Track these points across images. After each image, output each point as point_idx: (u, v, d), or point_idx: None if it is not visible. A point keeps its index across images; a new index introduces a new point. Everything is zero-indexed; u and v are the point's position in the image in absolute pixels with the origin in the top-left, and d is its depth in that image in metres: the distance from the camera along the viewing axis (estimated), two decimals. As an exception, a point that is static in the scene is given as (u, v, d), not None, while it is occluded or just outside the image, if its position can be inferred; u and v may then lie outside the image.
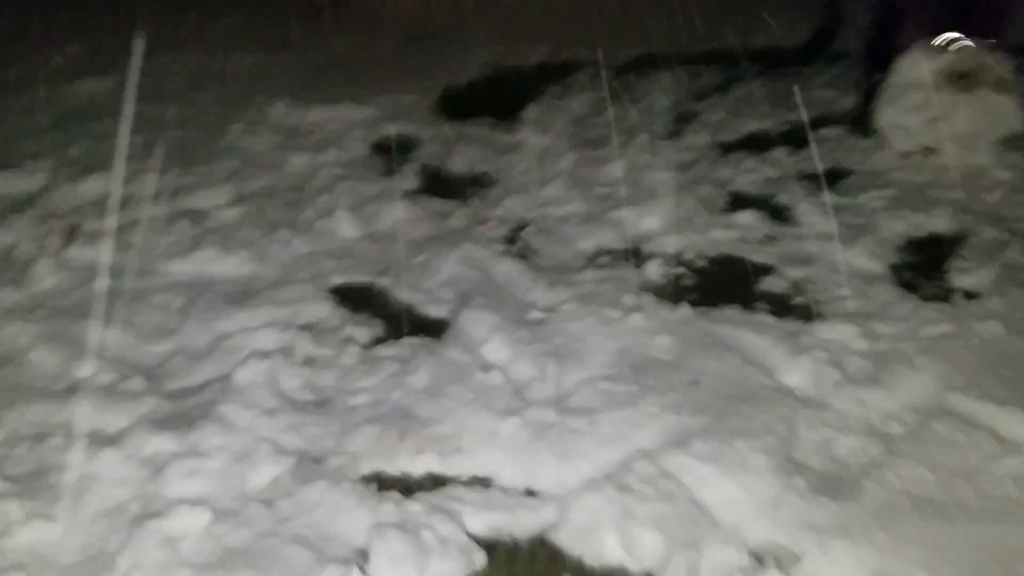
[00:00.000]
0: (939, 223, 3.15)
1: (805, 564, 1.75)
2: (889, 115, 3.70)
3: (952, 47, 3.62)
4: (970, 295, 2.68)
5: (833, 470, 1.98)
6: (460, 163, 3.87)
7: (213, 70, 4.81)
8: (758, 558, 1.78)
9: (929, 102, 3.58)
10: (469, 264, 2.98)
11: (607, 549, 1.82)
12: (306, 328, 2.64)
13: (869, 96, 3.98)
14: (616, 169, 3.70)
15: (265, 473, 2.03)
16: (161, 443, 2.13)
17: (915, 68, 3.63)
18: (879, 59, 3.97)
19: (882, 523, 1.79)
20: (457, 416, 2.21)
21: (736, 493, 1.90)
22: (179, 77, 4.84)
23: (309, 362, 2.50)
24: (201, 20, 5.99)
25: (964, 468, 1.93)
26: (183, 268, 3.01)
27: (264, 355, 2.45)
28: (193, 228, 3.26)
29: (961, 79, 3.55)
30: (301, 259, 3.09)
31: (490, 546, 1.86)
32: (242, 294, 2.82)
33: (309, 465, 2.07)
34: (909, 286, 2.78)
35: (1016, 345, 2.36)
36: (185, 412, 2.26)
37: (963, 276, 2.80)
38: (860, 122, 3.99)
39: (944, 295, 2.71)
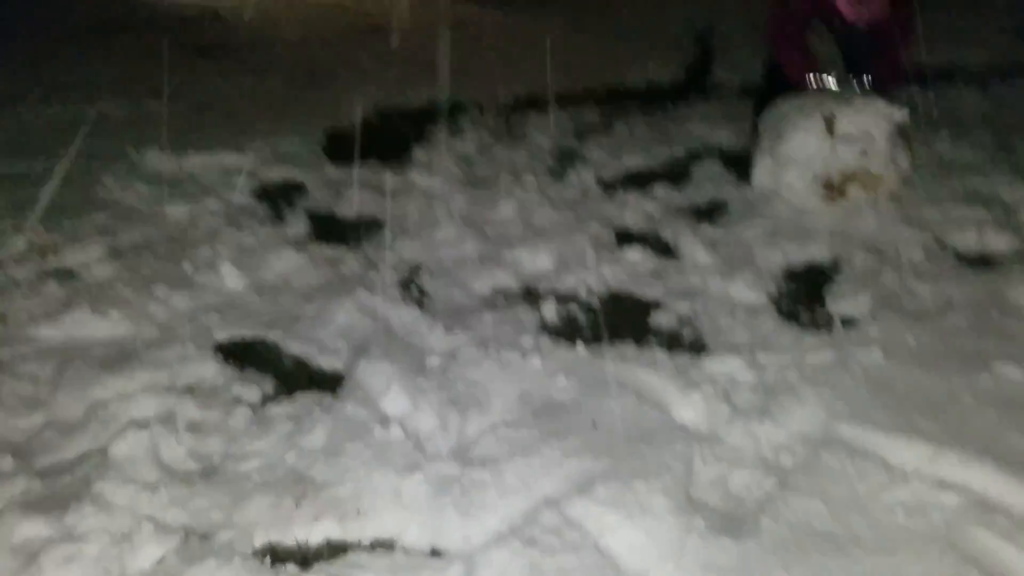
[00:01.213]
0: (815, 252, 3.30)
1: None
2: (765, 182, 3.80)
3: (833, 113, 3.61)
4: (848, 322, 2.80)
5: (731, 507, 2.01)
6: (348, 207, 3.80)
7: (81, 120, 4.56)
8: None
9: (805, 194, 3.68)
10: (363, 312, 2.91)
11: (515, 607, 1.77)
12: (189, 391, 2.50)
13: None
14: (506, 209, 3.72)
15: (148, 555, 1.89)
16: (34, 528, 1.96)
17: (795, 145, 3.67)
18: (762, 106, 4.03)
19: (782, 561, 1.82)
20: (356, 476, 2.13)
21: (639, 538, 1.89)
22: (43, 129, 4.57)
23: (193, 428, 2.35)
24: (66, 68, 5.72)
25: (855, 499, 1.98)
26: (52, 333, 2.81)
27: (143, 424, 2.30)
28: (62, 289, 3.06)
29: (832, 189, 3.62)
30: (181, 316, 2.93)
31: (395, 614, 1.79)
32: (117, 358, 2.66)
33: (196, 542, 1.95)
34: (790, 315, 2.89)
35: (895, 371, 2.47)
36: (59, 492, 2.10)
37: (840, 303, 2.92)
38: (737, 158, 4.15)
39: (824, 323, 2.82)
